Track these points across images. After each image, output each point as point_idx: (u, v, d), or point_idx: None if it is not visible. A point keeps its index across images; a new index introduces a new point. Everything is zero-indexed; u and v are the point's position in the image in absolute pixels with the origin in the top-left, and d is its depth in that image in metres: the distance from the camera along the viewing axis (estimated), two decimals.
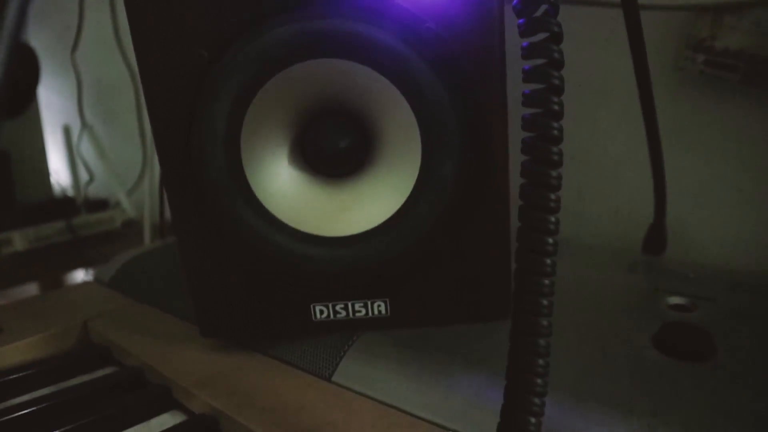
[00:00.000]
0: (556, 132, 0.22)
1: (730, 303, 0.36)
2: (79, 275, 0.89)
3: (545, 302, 0.23)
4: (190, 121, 0.33)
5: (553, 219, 0.22)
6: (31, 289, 0.86)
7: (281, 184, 0.34)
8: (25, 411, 0.36)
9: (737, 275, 0.41)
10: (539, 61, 0.23)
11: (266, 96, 0.32)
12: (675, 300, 0.37)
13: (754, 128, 0.46)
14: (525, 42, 0.23)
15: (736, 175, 0.48)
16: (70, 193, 1.32)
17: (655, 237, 0.47)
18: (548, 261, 0.22)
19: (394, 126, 0.32)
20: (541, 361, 0.22)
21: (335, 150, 0.33)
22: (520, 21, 0.23)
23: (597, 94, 0.55)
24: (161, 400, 0.37)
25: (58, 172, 1.43)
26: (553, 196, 0.22)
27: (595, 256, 0.47)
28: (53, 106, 1.40)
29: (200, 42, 0.31)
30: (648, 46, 0.40)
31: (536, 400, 0.22)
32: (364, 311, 0.35)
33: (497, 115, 0.31)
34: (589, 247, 0.50)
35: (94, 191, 1.25)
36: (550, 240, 0.22)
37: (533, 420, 0.22)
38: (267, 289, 0.36)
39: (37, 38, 1.31)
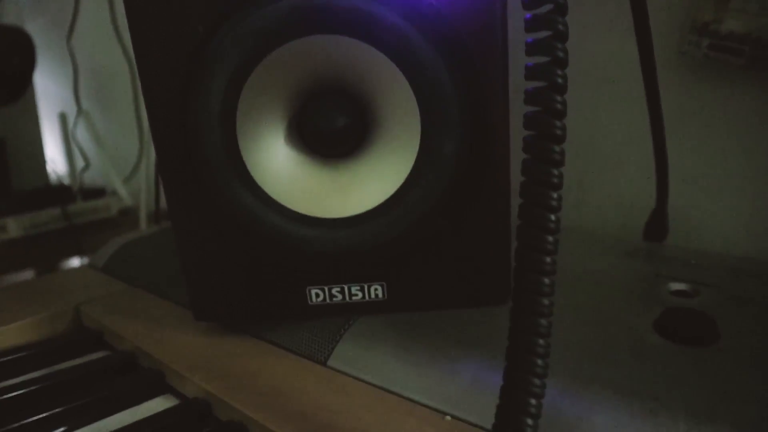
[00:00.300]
0: (559, 105, 0.22)
1: (732, 289, 0.35)
2: (74, 262, 0.89)
3: (547, 281, 0.22)
4: (185, 98, 0.32)
5: (555, 195, 0.22)
6: (26, 275, 0.85)
7: (278, 164, 0.33)
8: (16, 393, 0.36)
9: (739, 261, 0.40)
10: (543, 34, 0.22)
11: (263, 73, 0.31)
12: (677, 286, 0.36)
13: (759, 113, 0.46)
14: (528, 14, 0.22)
15: (739, 161, 0.48)
16: (67, 180, 1.31)
17: (657, 223, 0.46)
18: (550, 239, 0.22)
19: (393, 104, 0.31)
20: (541, 342, 0.22)
21: (333, 129, 0.33)
22: None
23: (599, 80, 0.54)
24: (153, 384, 0.36)
25: (55, 160, 1.42)
26: (556, 172, 0.22)
27: (596, 242, 0.46)
28: (50, 93, 1.39)
29: (196, 16, 0.31)
30: (651, 29, 0.39)
31: (537, 381, 0.21)
32: (360, 295, 0.35)
33: (498, 94, 0.31)
34: (590, 234, 0.49)
35: (92, 179, 1.24)
36: (553, 217, 0.22)
37: (533, 401, 0.21)
38: (262, 271, 0.35)
39: (32, 23, 1.30)
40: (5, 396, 0.35)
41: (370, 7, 0.29)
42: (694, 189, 0.50)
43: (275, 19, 0.30)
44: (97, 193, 1.18)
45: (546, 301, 0.22)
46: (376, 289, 0.35)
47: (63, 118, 1.22)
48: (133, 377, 0.37)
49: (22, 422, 0.33)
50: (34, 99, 1.31)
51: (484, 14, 0.30)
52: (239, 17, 0.30)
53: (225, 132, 0.32)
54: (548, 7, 0.22)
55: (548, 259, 0.22)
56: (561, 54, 0.22)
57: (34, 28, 1.22)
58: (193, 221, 0.35)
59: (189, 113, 0.32)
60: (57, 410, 0.34)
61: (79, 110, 1.16)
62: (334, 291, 0.35)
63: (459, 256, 0.34)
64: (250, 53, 0.31)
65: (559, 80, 0.22)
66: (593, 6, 0.52)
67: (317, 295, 0.35)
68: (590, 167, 0.56)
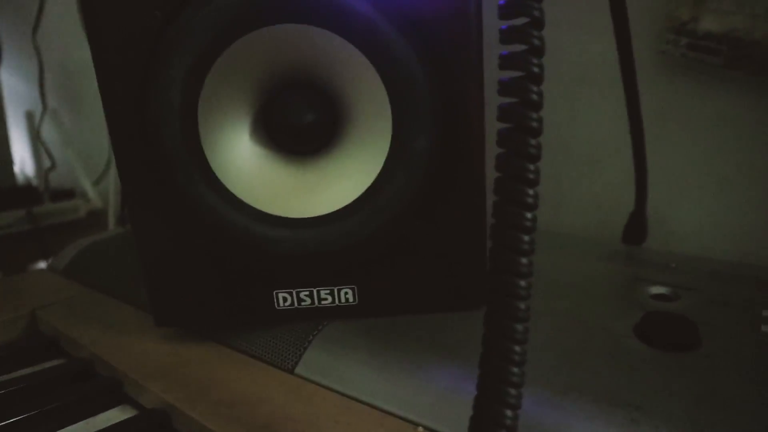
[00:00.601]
0: (535, 96, 0.20)
1: (712, 292, 0.35)
2: (40, 266, 0.85)
3: (523, 284, 0.21)
4: (143, 89, 0.30)
5: (531, 192, 0.20)
6: None
7: (242, 161, 0.31)
8: None
9: (719, 264, 0.39)
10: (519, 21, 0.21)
11: (226, 64, 0.29)
12: (657, 290, 0.35)
13: (737, 113, 0.45)
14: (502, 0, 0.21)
15: (719, 163, 0.47)
16: (36, 182, 1.27)
17: (636, 226, 0.46)
18: (526, 238, 0.20)
19: (363, 98, 0.30)
20: (517, 348, 0.20)
21: (300, 125, 0.31)
22: None
23: (576, 80, 0.53)
24: (110, 394, 0.34)
25: (24, 160, 1.37)
26: (532, 167, 0.20)
27: (574, 245, 0.45)
28: (17, 90, 1.35)
29: (153, 1, 0.29)
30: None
31: (512, 391, 0.20)
32: (330, 299, 0.33)
33: (473, 87, 0.29)
34: (568, 237, 0.48)
35: (62, 181, 1.20)
36: (529, 215, 0.20)
37: (509, 413, 0.20)
38: (226, 274, 0.33)
39: None
40: None
41: None
42: (674, 190, 0.50)
43: (239, 6, 0.28)
44: (66, 194, 1.15)
45: (522, 305, 0.21)
46: (346, 293, 0.33)
47: (30, 117, 1.18)
48: (89, 386, 0.35)
49: None
50: (0, 97, 1.27)
51: (458, 3, 0.28)
52: (201, 2, 0.28)
53: (186, 126, 0.30)
54: None
55: (524, 260, 0.21)
56: (537, 42, 0.20)
57: None
58: (154, 221, 0.33)
59: (147, 106, 0.30)
60: (8, 421, 0.32)
61: (45, 108, 1.13)
62: (302, 295, 0.33)
63: (433, 258, 0.33)
64: (213, 41, 0.29)
65: (536, 69, 0.20)
66: (569, 4, 0.52)
67: (284, 300, 0.33)
68: (568, 169, 0.55)
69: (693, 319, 0.31)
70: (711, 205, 0.48)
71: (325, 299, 0.33)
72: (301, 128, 0.31)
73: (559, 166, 0.56)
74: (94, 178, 1.11)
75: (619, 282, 0.38)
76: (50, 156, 1.17)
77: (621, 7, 0.38)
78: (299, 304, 0.33)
